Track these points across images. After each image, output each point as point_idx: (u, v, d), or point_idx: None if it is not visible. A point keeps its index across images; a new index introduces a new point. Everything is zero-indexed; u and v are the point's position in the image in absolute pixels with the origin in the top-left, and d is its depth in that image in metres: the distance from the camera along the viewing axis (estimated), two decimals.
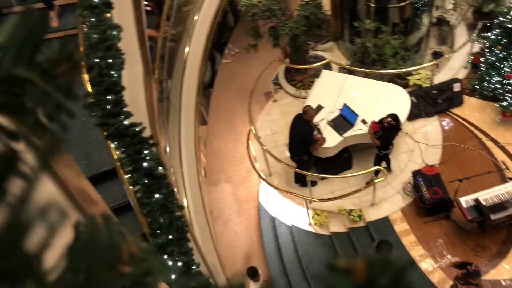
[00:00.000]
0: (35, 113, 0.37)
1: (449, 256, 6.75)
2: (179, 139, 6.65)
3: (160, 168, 4.34)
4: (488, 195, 6.46)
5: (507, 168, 7.14)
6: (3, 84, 0.36)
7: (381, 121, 6.76)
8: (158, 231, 4.29)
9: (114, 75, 4.45)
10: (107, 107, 4.34)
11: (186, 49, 7.22)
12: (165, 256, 4.16)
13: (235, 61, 10.36)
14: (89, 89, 4.28)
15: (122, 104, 4.44)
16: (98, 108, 4.31)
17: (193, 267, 4.36)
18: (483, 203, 6.35)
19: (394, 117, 6.63)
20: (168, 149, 6.08)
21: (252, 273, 6.59)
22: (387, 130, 6.72)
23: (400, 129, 6.87)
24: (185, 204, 5.88)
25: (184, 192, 6.19)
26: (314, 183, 7.72)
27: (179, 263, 4.27)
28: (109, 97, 4.37)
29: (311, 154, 7.21)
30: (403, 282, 0.40)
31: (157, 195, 4.28)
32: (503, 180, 7.15)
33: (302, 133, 6.90)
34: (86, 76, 4.25)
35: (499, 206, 6.33)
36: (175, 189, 5.22)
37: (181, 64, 7.16)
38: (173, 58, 6.99)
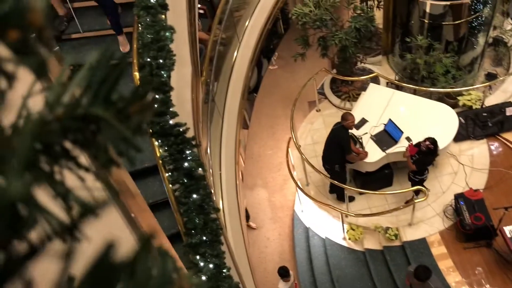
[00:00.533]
0: (107, 150, 0.39)
1: (487, 286, 6.49)
2: (220, 141, 6.72)
3: (200, 169, 4.41)
4: None
5: None
6: (80, 121, 0.38)
7: (419, 144, 6.58)
8: (192, 231, 4.35)
9: (164, 75, 4.57)
10: (154, 106, 4.44)
11: (235, 54, 7.31)
12: (197, 257, 4.21)
13: (282, 69, 10.38)
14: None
15: (169, 104, 4.55)
16: None
17: (224, 270, 4.39)
18: None
19: (432, 141, 6.43)
20: (208, 150, 6.16)
21: (283, 272, 6.60)
22: (424, 154, 6.52)
23: (437, 155, 6.63)
24: (221, 206, 5.94)
25: (221, 195, 6.25)
26: (351, 199, 7.61)
27: (211, 265, 4.31)
28: (157, 96, 4.49)
29: (345, 165, 7.08)
30: None
31: (194, 196, 4.34)
32: None
33: (339, 139, 6.78)
34: (137, 74, 4.38)
35: None
36: (213, 191, 5.28)
37: (229, 68, 7.26)
38: (221, 61, 7.09)
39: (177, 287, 0.37)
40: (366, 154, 6.95)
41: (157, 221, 3.67)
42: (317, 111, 9.11)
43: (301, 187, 7.79)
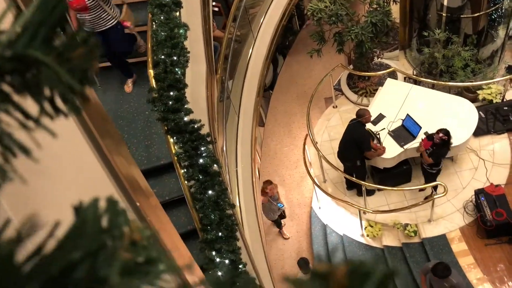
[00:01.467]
0: (51, 95, 0.39)
1: (510, 283, 6.36)
2: (236, 139, 6.73)
3: (215, 165, 4.42)
4: None
5: None
6: (17, 63, 0.37)
7: (432, 137, 6.48)
8: (208, 227, 4.36)
9: (178, 72, 4.59)
10: (169, 102, 4.49)
11: (250, 51, 7.30)
12: (213, 253, 4.22)
13: (298, 65, 10.34)
14: (153, 84, 4.44)
15: (183, 101, 4.57)
16: (160, 103, 4.45)
17: (240, 266, 4.39)
18: None
19: (445, 132, 6.34)
20: (224, 148, 6.18)
21: (303, 263, 6.61)
22: (438, 146, 6.43)
23: (451, 144, 6.52)
24: (237, 203, 5.95)
25: (237, 191, 6.26)
26: (370, 192, 7.55)
27: (227, 261, 4.32)
28: (171, 93, 4.52)
29: (364, 161, 7.03)
30: None
31: (210, 192, 4.36)
32: None
33: (356, 135, 6.74)
34: (151, 72, 4.41)
35: None
36: (229, 188, 5.29)
37: (244, 65, 7.26)
38: (236, 59, 7.10)
39: (128, 239, 0.36)
40: (384, 149, 6.87)
41: (169, 219, 3.67)
42: (333, 107, 9.04)
43: (318, 184, 7.75)
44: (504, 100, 8.00)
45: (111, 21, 5.07)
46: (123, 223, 0.36)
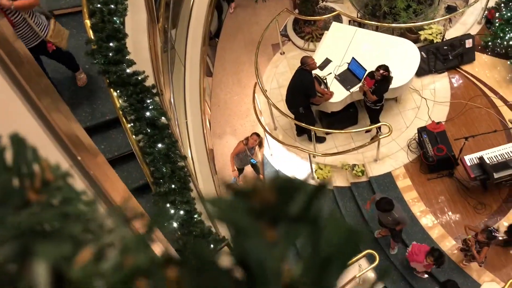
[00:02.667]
0: None
1: (449, 213, 6.82)
2: (184, 90, 6.60)
3: (163, 118, 4.33)
4: (492, 154, 6.44)
5: None
6: None
7: (373, 74, 6.65)
8: (160, 180, 4.33)
9: (117, 21, 4.36)
10: (109, 54, 4.29)
11: None
12: (168, 205, 4.22)
13: (243, 12, 10.11)
14: (91, 35, 4.20)
15: (124, 51, 4.38)
16: (100, 55, 4.25)
17: (195, 216, 4.43)
18: (487, 161, 6.34)
19: (385, 67, 6.53)
20: (172, 100, 6.05)
21: None
22: (380, 83, 6.62)
23: (392, 78, 6.71)
24: (189, 155, 5.92)
25: (189, 143, 6.21)
26: (322, 140, 7.72)
27: (181, 212, 4.34)
28: (111, 44, 4.30)
29: (310, 107, 7.11)
30: (313, 207, 0.38)
31: (159, 145, 4.29)
32: (509, 139, 7.11)
33: (302, 82, 6.76)
34: (88, 22, 4.17)
35: (503, 165, 6.32)
36: (179, 140, 5.23)
37: (187, 13, 6.99)
38: (178, 6, 6.82)
39: (39, 179, 0.33)
40: (331, 94, 6.97)
41: (117, 176, 3.59)
42: (281, 54, 9.00)
43: (269, 131, 7.82)
44: (444, 39, 8.23)
45: (37, 40, 4.62)
46: (32, 161, 0.33)
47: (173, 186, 4.40)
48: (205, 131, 6.90)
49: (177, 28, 6.80)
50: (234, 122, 8.94)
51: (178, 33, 6.81)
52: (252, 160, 7.33)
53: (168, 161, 4.42)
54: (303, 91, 6.77)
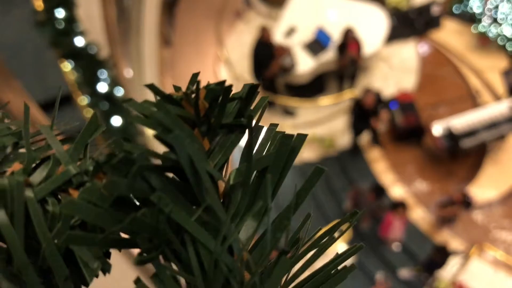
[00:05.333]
0: None
1: (418, 180, 6.80)
2: (142, 62, 6.19)
3: (120, 91, 3.99)
4: (459, 122, 6.43)
5: (479, 94, 7.07)
6: None
7: (353, 37, 6.51)
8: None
9: None
10: (59, 24, 3.93)
11: None
12: None
13: None
14: (39, 4, 3.82)
15: (76, 21, 4.03)
16: (50, 26, 3.91)
17: None
18: (455, 130, 6.32)
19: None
20: (131, 73, 5.66)
21: None
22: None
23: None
24: (148, 130, 5.57)
25: None
26: (291, 113, 7.49)
27: None
28: (61, 13, 3.95)
29: (273, 80, 6.84)
30: (246, 113, 0.36)
31: (117, 121, 3.97)
32: (476, 106, 7.11)
33: (258, 56, 6.56)
34: None
35: (470, 132, 6.33)
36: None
37: None
38: None
39: None
40: (281, 58, 6.58)
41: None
42: (245, 22, 8.62)
43: None
44: (411, 6, 8.08)
45: None
46: None
47: None
48: None
49: None
50: None
51: (134, 1, 6.33)
52: None
53: (127, 138, 4.11)
54: (259, 63, 6.54)
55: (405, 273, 6.15)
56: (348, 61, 6.61)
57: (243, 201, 0.35)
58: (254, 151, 0.38)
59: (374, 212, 6.12)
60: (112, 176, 0.29)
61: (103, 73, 3.95)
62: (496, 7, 7.34)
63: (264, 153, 0.38)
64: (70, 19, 3.98)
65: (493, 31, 7.41)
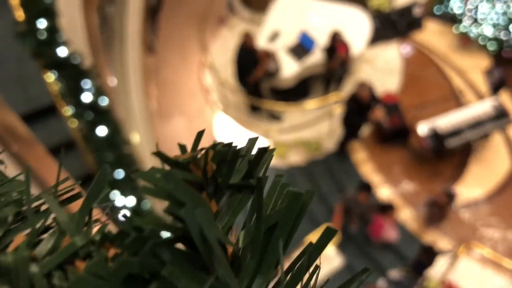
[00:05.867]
0: None
1: (405, 181, 6.85)
2: (126, 70, 6.14)
3: (104, 101, 3.96)
4: (444, 122, 6.49)
5: (463, 94, 7.16)
6: None
7: (342, 41, 6.54)
8: (106, 168, 3.97)
9: None
10: (41, 35, 3.90)
11: None
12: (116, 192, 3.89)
13: None
14: (20, 15, 3.78)
15: (58, 31, 4.00)
16: (32, 36, 3.87)
17: (144, 202, 4.15)
18: (440, 130, 6.38)
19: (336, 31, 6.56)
20: (115, 81, 5.61)
21: None
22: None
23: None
24: (136, 139, 5.53)
25: (135, 127, 5.81)
26: (278, 117, 7.50)
27: (130, 199, 4.03)
28: (43, 23, 3.92)
29: (258, 84, 6.83)
30: (255, 173, 0.36)
31: (102, 130, 3.92)
32: (460, 106, 7.19)
33: (241, 62, 6.54)
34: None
35: (455, 132, 6.40)
36: (125, 124, 4.85)
37: None
38: None
39: None
40: (266, 63, 6.59)
41: (59, 166, 3.21)
42: (228, 27, 8.62)
43: (220, 109, 7.51)
44: (393, 8, 8.16)
45: None
46: None
47: (120, 173, 4.06)
48: (151, 113, 6.50)
49: (115, 3, 6.27)
50: (182, 101, 8.53)
51: (117, 9, 6.28)
52: None
53: (113, 147, 4.08)
54: (243, 69, 6.53)
55: (395, 274, 6.18)
56: (338, 63, 6.64)
57: (253, 261, 0.34)
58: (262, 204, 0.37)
59: (364, 213, 6.15)
60: (124, 255, 0.28)
61: (87, 83, 3.91)
62: (476, 7, 7.45)
63: (271, 207, 0.38)
64: (52, 29, 3.94)
65: (474, 31, 7.52)
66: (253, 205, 0.36)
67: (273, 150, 0.40)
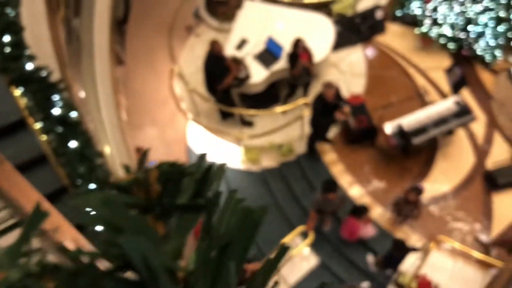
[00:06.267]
0: None
1: (375, 180, 7.03)
2: (95, 83, 6.13)
3: (73, 114, 3.96)
4: (409, 120, 6.68)
5: (426, 92, 7.40)
6: None
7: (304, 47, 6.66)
8: (78, 181, 3.98)
9: (11, 13, 3.95)
10: (6, 50, 3.88)
11: None
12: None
13: None
14: None
15: (23, 45, 3.98)
16: None
17: None
18: (405, 128, 6.57)
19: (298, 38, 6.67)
20: (83, 94, 5.60)
21: None
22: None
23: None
24: (107, 150, 5.52)
25: (106, 138, 5.80)
26: (249, 123, 7.60)
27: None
28: (7, 38, 3.90)
29: (228, 91, 6.90)
30: (205, 192, 0.35)
31: (73, 143, 3.93)
32: (424, 104, 7.43)
33: (210, 69, 6.57)
34: None
35: (420, 130, 6.59)
36: (95, 136, 4.84)
37: None
38: None
39: None
40: (237, 70, 6.68)
41: (28, 183, 3.22)
42: (196, 36, 8.69)
43: (191, 117, 7.55)
44: (356, 12, 8.38)
45: None
46: None
47: (92, 185, 4.06)
48: (122, 124, 6.50)
49: (81, 16, 6.26)
50: (153, 111, 8.54)
51: (83, 21, 6.28)
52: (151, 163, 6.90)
53: (85, 160, 4.08)
54: (213, 77, 6.58)
55: (370, 259, 6.36)
56: (301, 70, 6.77)
57: (205, 284, 0.33)
58: (214, 222, 0.36)
59: (336, 211, 6.27)
60: (61, 279, 0.28)
61: (55, 97, 3.92)
62: (435, 9, 7.73)
63: (225, 225, 0.36)
64: (18, 44, 3.94)
65: (434, 31, 7.80)
66: (203, 225, 0.34)
67: (223, 165, 0.36)
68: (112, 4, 6.70)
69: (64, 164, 4.08)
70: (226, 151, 7.71)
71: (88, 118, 5.24)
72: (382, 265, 6.18)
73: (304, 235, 6.46)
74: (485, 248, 6.43)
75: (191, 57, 8.45)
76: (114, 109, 6.28)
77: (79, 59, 5.98)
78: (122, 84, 7.93)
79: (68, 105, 4.01)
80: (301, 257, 6.74)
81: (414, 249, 6.10)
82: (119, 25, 8.14)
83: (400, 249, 5.77)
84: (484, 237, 6.47)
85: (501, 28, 7.39)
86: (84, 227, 3.59)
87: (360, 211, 5.92)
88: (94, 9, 6.41)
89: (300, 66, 6.69)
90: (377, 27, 8.28)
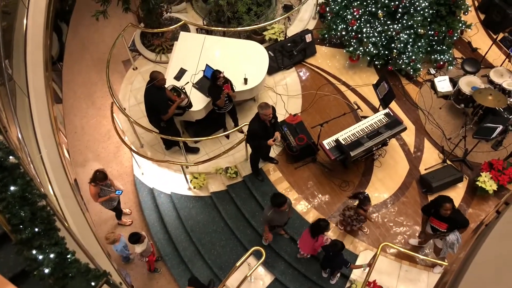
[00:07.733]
0: None
1: (320, 195, 7.31)
2: (32, 123, 6.05)
3: (11, 157, 3.92)
4: (346, 135, 7.02)
5: (359, 108, 7.83)
6: None
7: (226, 79, 6.87)
8: (20, 226, 3.91)
9: None
10: None
11: (24, 22, 6.47)
12: (34, 252, 3.83)
13: (85, 31, 9.61)
14: None
15: None
16: None
17: (68, 256, 4.09)
18: (343, 142, 6.91)
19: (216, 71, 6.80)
20: (20, 135, 5.51)
21: (135, 239, 6.54)
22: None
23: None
24: (50, 191, 5.45)
25: (48, 179, 5.71)
26: (195, 150, 7.69)
27: (52, 255, 3.97)
28: None
29: (171, 120, 7.00)
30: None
31: (12, 188, 3.87)
32: (357, 119, 7.86)
33: (153, 100, 6.65)
34: None
35: (356, 143, 6.93)
36: (35, 178, 4.79)
37: (21, 39, 6.42)
38: (8, 34, 6.22)
39: None
40: (182, 99, 6.84)
41: None
42: (133, 69, 8.77)
43: (135, 150, 7.57)
44: (287, 37, 8.78)
45: None
46: None
47: (36, 229, 4.00)
48: (64, 162, 6.41)
49: (11, 57, 6.20)
50: (95, 146, 8.47)
51: (15, 62, 6.21)
52: (117, 192, 6.90)
53: (26, 203, 4.02)
54: (156, 108, 6.66)
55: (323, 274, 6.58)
56: (224, 99, 6.93)
57: None
58: None
59: (286, 222, 6.45)
60: None
61: None
62: (360, 29, 8.24)
63: None
64: None
65: (360, 50, 8.31)
66: None
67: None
68: (46, 43, 6.68)
69: (4, 210, 4.00)
70: (173, 180, 7.76)
71: (27, 160, 5.17)
72: (325, 266, 6.44)
73: (258, 254, 6.58)
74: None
75: (130, 90, 8.50)
76: (55, 148, 6.21)
77: (14, 100, 5.89)
78: (62, 121, 7.83)
79: (4, 148, 3.96)
80: (256, 276, 6.85)
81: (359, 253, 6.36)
82: (54, 63, 8.08)
83: (336, 245, 5.95)
84: (413, 241, 6.86)
85: (420, 43, 8.00)
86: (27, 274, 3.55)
87: (317, 229, 6.07)
88: (27, 49, 6.38)
89: (223, 96, 6.86)
90: (308, 50, 8.71)
